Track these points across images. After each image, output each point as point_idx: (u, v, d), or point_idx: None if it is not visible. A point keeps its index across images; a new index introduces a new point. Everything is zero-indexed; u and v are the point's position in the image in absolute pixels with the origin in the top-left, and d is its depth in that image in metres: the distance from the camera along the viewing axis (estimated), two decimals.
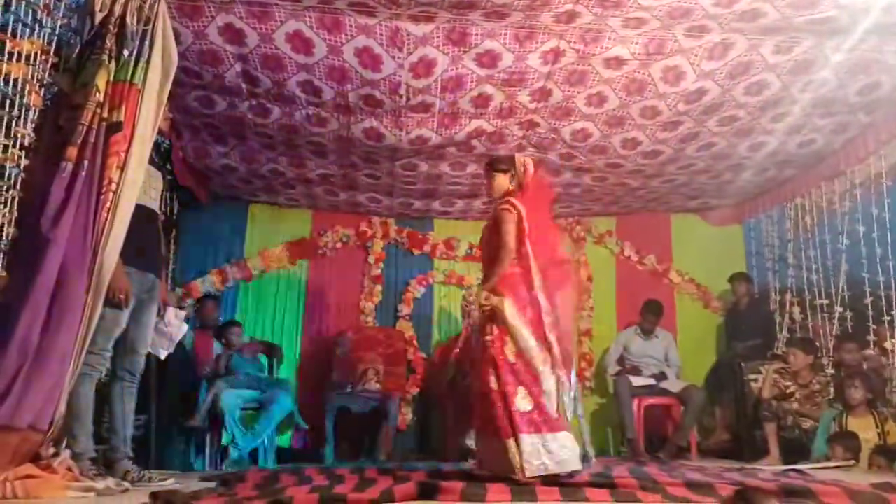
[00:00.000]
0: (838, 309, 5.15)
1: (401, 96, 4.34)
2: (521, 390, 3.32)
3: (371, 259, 6.64)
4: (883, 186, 4.83)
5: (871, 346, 4.86)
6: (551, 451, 3.25)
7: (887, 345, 4.65)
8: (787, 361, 5.04)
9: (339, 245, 6.63)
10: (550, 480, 3.12)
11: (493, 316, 3.44)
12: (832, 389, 4.84)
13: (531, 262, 3.47)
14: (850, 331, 5.08)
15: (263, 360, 5.61)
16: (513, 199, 3.57)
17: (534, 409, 3.30)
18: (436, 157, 5.26)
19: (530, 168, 3.71)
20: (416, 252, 6.75)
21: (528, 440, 3.23)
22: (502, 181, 3.71)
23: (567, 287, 3.71)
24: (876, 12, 3.53)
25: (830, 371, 5.05)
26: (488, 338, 3.44)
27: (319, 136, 4.90)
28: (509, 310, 3.40)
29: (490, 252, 3.61)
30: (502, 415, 3.29)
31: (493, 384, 3.34)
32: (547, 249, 3.60)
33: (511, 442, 3.23)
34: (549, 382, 3.37)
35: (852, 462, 4.26)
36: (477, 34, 3.83)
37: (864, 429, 4.40)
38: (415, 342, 6.45)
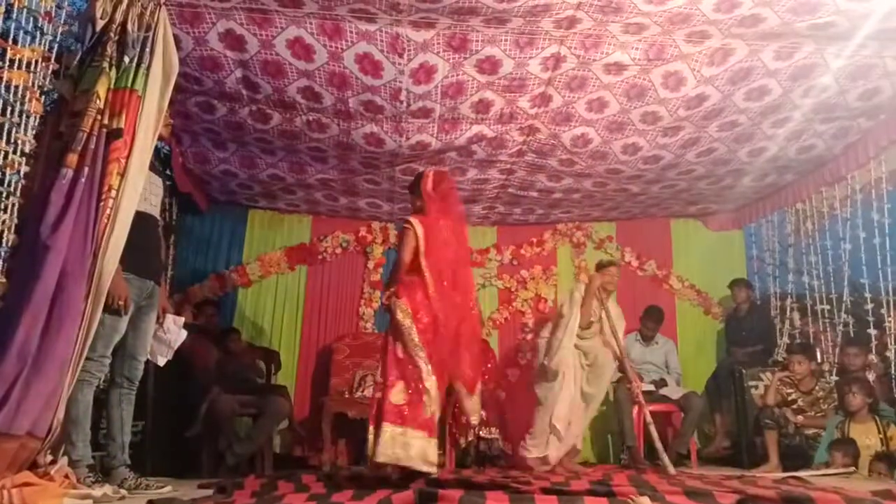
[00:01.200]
0: (844, 316, 5.12)
1: (401, 102, 4.34)
2: (400, 384, 3.60)
3: (370, 264, 6.64)
4: (883, 192, 4.82)
5: (873, 351, 4.85)
6: (409, 445, 3.48)
7: (889, 351, 4.64)
8: (788, 368, 5.03)
9: (338, 250, 6.63)
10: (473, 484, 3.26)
11: (391, 315, 3.79)
12: (836, 396, 4.82)
13: (426, 273, 3.76)
14: (852, 336, 5.07)
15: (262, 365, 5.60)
16: (411, 219, 3.88)
17: (406, 405, 3.55)
18: (436, 162, 5.26)
19: (429, 184, 3.97)
20: None
21: (389, 429, 3.48)
22: (412, 200, 4.07)
23: (463, 295, 3.96)
24: (876, 17, 3.53)
25: (833, 378, 5.03)
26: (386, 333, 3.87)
27: (319, 142, 4.90)
28: (401, 311, 3.69)
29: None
30: (376, 404, 3.61)
31: (379, 376, 3.69)
32: (443, 261, 3.85)
33: (372, 428, 3.55)
34: (430, 381, 3.61)
35: (852, 469, 4.24)
36: (477, 40, 3.83)
37: (866, 435, 4.39)
38: None
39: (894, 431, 4.33)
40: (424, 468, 3.48)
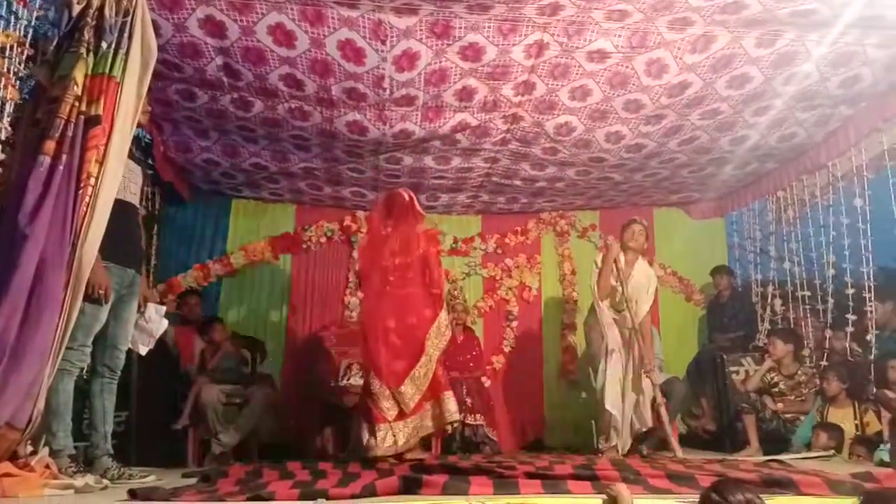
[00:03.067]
0: (830, 301, 5.15)
1: (384, 90, 4.32)
2: None
3: (355, 254, 6.61)
4: (864, 179, 4.87)
5: (849, 336, 4.90)
6: None
7: (869, 335, 4.69)
8: (768, 351, 5.08)
9: (323, 240, 6.60)
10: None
11: None
12: (818, 381, 4.87)
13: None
14: (832, 321, 5.12)
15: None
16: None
17: None
18: (420, 151, 5.25)
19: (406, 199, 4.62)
20: None
21: None
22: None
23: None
24: (857, 5, 3.55)
25: (822, 363, 5.08)
26: None
27: (302, 130, 4.87)
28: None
29: None
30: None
31: None
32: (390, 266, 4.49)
33: None
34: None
35: (832, 452, 4.30)
36: (460, 27, 3.82)
37: (844, 419, 4.45)
38: None
39: (872, 416, 4.39)
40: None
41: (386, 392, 4.30)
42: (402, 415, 4.31)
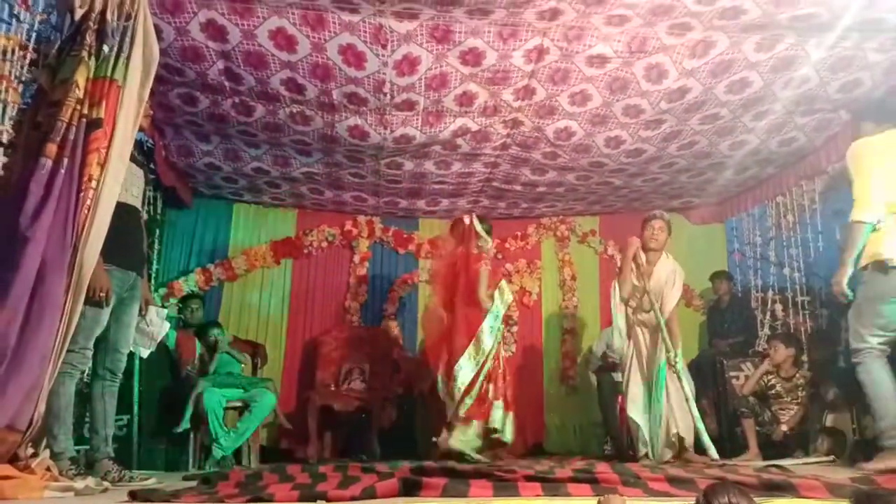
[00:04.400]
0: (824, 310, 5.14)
1: (385, 94, 4.33)
2: None
3: (356, 258, 6.63)
4: None
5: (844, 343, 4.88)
6: None
7: None
8: (768, 355, 5.07)
9: (324, 244, 6.62)
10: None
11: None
12: (815, 385, 4.87)
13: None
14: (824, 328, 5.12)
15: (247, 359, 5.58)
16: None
17: None
18: (420, 155, 5.26)
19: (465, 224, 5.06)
20: (402, 251, 6.76)
21: None
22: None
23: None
24: (856, 9, 3.55)
25: (815, 367, 5.08)
26: None
27: (304, 135, 4.89)
28: None
29: None
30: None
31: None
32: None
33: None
34: None
35: (832, 458, 4.29)
36: (461, 32, 3.83)
37: (842, 424, 4.45)
38: (400, 341, 6.45)
39: (869, 420, 4.37)
40: None
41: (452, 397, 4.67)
42: (465, 419, 4.67)
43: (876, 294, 3.51)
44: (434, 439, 4.75)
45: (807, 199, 5.59)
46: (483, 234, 5.04)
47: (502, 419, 4.74)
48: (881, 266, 3.47)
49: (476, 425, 4.70)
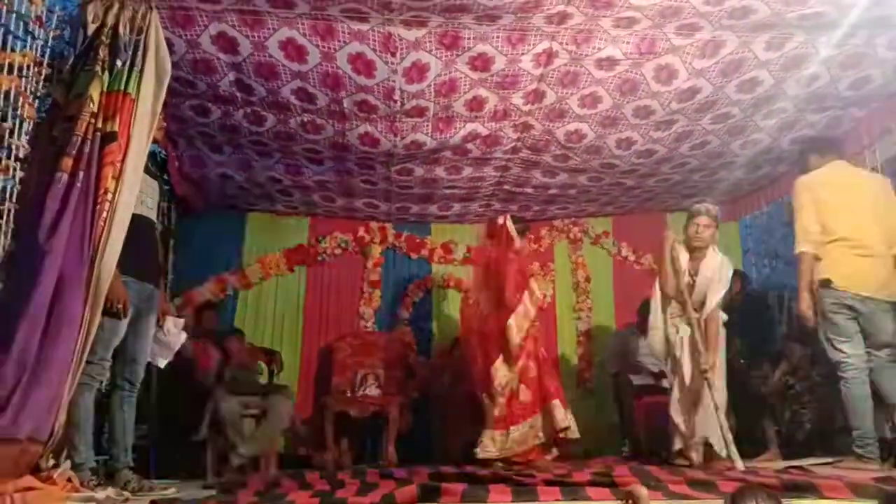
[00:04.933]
0: None
1: (395, 101, 4.35)
2: None
3: (369, 264, 6.65)
4: None
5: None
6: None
7: None
8: (784, 356, 5.03)
9: (337, 251, 6.64)
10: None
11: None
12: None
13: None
14: None
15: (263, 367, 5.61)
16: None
17: None
18: (431, 161, 5.28)
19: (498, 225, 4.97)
20: (414, 256, 6.77)
21: None
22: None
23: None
24: (865, 5, 3.54)
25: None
26: None
27: (315, 143, 4.91)
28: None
29: None
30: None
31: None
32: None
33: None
34: None
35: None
36: (469, 38, 3.85)
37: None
38: (414, 346, 6.45)
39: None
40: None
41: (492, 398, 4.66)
42: (505, 423, 4.62)
43: (829, 310, 3.89)
44: (475, 450, 4.60)
45: None
46: (514, 234, 4.94)
47: (565, 416, 4.70)
48: (827, 285, 3.88)
49: (515, 430, 4.62)
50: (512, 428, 4.60)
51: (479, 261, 5.42)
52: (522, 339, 4.71)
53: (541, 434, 4.70)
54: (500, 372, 4.65)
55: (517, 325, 4.70)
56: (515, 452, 4.58)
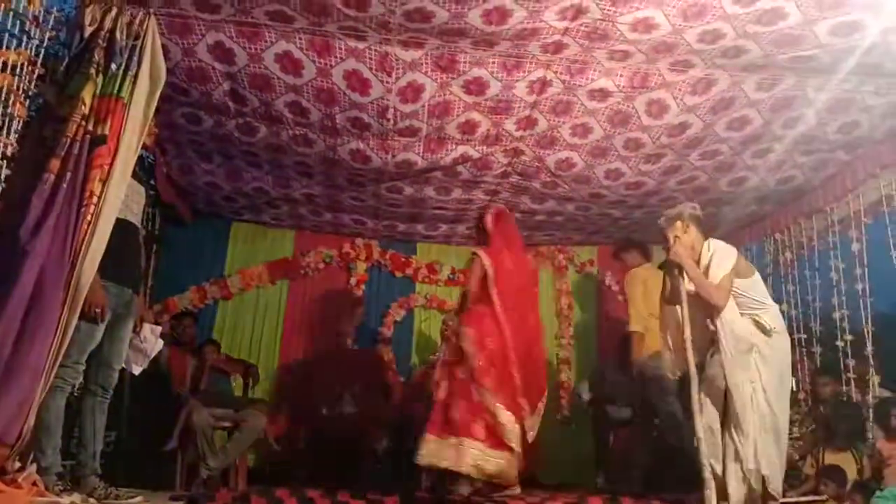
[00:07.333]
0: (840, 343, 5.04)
1: (388, 120, 4.36)
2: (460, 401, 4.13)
3: (353, 281, 6.62)
4: (861, 224, 4.88)
5: (849, 382, 4.87)
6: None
7: (868, 378, 4.67)
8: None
9: (321, 266, 6.61)
10: None
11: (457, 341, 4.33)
12: (812, 422, 4.84)
13: (496, 301, 4.28)
14: (824, 365, 5.11)
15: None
16: (479, 251, 4.48)
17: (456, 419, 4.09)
18: (421, 181, 5.29)
19: (489, 221, 4.64)
20: (399, 275, 6.76)
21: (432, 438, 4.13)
22: (477, 235, 4.80)
23: (532, 319, 4.57)
24: (856, 53, 3.60)
25: (811, 405, 5.05)
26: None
27: (305, 157, 4.91)
28: (467, 340, 4.22)
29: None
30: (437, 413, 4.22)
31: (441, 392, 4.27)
32: (512, 288, 4.40)
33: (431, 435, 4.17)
34: (504, 417, 4.11)
35: (825, 497, 4.25)
36: (465, 62, 3.88)
37: (844, 463, 4.40)
38: (393, 365, 6.42)
39: (867, 461, 4.35)
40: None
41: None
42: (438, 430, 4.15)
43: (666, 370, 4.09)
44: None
45: (805, 237, 5.60)
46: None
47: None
48: (658, 354, 4.27)
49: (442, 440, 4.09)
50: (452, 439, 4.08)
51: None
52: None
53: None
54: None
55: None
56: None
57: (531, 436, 4.27)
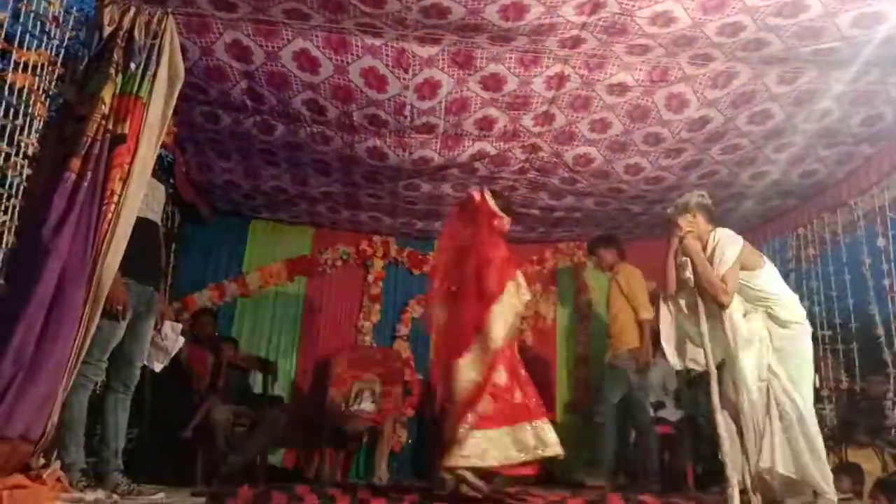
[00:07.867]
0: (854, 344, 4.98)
1: (405, 117, 4.36)
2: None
3: (370, 278, 6.63)
4: (887, 218, 4.80)
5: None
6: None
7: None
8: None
9: (339, 263, 6.63)
10: None
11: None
12: (834, 419, 4.78)
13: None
14: (858, 363, 5.04)
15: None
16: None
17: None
18: (438, 178, 5.28)
19: (475, 201, 3.99)
20: (416, 272, 6.75)
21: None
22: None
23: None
24: (878, 44, 3.54)
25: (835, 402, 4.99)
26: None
27: (323, 155, 4.92)
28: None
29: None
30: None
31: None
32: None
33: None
34: None
35: (850, 496, 4.20)
36: (482, 57, 3.86)
37: (865, 461, 4.35)
38: (412, 363, 6.42)
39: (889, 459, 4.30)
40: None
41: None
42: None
43: None
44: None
45: (828, 232, 5.52)
46: (498, 211, 3.98)
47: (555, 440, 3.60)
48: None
49: (488, 435, 3.50)
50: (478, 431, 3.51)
51: (447, 242, 4.20)
52: (505, 340, 3.70)
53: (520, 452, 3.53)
54: (464, 374, 3.64)
55: (503, 318, 3.72)
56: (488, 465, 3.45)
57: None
